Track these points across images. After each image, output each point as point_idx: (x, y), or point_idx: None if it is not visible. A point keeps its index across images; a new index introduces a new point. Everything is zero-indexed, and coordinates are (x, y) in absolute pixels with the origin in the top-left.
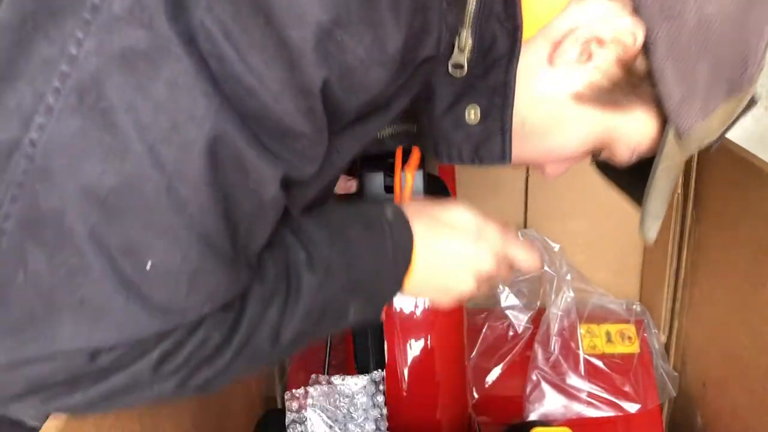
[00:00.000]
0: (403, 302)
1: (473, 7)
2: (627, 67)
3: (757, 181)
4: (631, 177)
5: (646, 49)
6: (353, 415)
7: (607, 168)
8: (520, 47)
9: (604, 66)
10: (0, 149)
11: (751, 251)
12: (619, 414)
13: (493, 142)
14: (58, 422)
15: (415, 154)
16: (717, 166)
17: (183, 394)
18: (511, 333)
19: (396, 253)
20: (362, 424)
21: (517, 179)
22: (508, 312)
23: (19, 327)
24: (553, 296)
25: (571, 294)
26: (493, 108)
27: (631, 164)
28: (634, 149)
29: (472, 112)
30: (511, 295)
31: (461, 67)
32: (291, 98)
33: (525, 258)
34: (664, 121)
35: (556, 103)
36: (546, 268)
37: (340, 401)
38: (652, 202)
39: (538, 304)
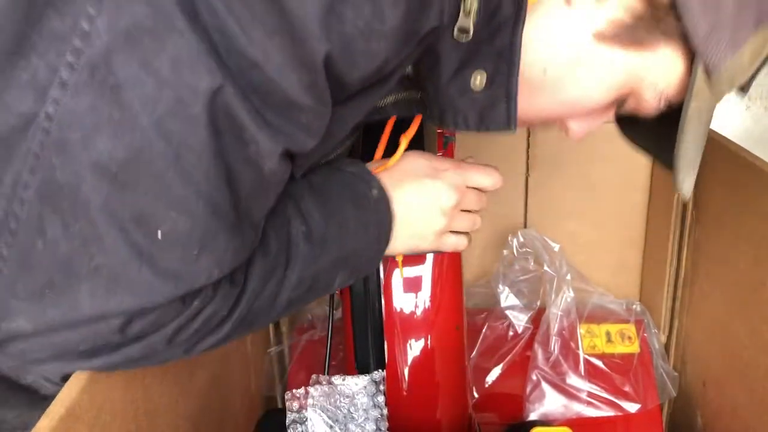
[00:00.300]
0: (403, 302)
1: None
2: (649, 0)
3: (757, 181)
4: (660, 137)
5: None
6: (354, 415)
7: (633, 130)
8: (525, 10)
9: (625, 1)
10: (17, 121)
11: (751, 251)
12: (619, 414)
13: (499, 108)
14: (51, 422)
15: (415, 123)
16: (717, 165)
17: (187, 357)
18: (511, 333)
19: (380, 232)
20: (363, 425)
21: (518, 179)
22: (508, 312)
23: (40, 293)
24: (553, 296)
25: (571, 294)
26: (499, 74)
27: (659, 117)
28: (661, 93)
29: (478, 78)
30: (511, 295)
31: (467, 31)
32: (294, 71)
33: (484, 179)
34: (691, 58)
35: (577, 45)
36: (546, 268)
37: (340, 401)
38: (684, 149)
39: (538, 304)
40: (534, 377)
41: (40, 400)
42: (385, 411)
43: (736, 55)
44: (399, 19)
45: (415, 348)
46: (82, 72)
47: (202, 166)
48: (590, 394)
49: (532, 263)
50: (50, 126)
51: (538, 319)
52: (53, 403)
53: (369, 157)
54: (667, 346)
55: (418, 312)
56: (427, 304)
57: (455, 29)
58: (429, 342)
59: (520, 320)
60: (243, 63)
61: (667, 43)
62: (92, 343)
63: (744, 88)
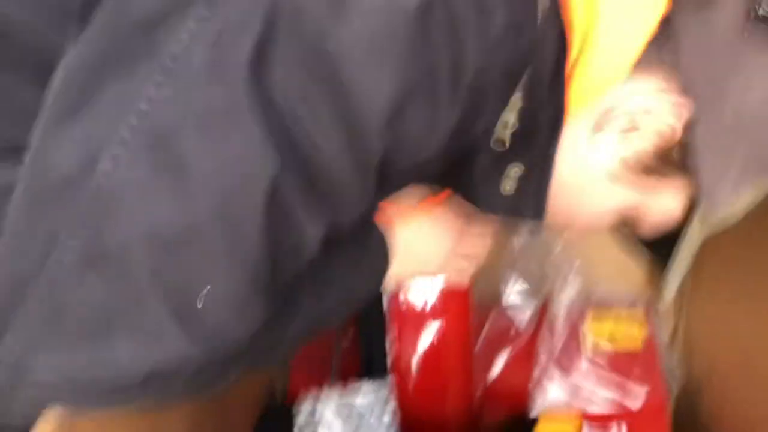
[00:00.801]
0: (411, 297)
1: (523, 87)
2: (667, 144)
3: None
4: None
5: (686, 129)
6: (364, 421)
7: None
8: (562, 128)
9: (645, 140)
10: (65, 177)
11: (757, 242)
12: (625, 407)
13: (527, 206)
14: (50, 425)
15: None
16: None
17: (194, 394)
18: (515, 327)
19: (376, 279)
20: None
21: None
22: (512, 305)
23: (71, 348)
24: (557, 289)
25: (576, 287)
26: (533, 170)
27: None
28: (657, 227)
29: (512, 172)
30: (515, 290)
31: (504, 143)
32: (351, 160)
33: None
34: (693, 200)
35: (594, 174)
36: (551, 261)
37: (351, 408)
38: (675, 274)
39: (543, 298)
40: (538, 371)
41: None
42: (396, 416)
43: (734, 202)
44: (455, 120)
45: (422, 350)
46: (146, 136)
47: (251, 246)
48: (595, 388)
49: (536, 258)
50: (103, 184)
51: (542, 313)
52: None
53: None
54: (672, 340)
55: (426, 312)
56: (435, 296)
57: (492, 140)
58: (436, 343)
59: (524, 314)
60: (305, 150)
61: (674, 185)
62: (112, 390)
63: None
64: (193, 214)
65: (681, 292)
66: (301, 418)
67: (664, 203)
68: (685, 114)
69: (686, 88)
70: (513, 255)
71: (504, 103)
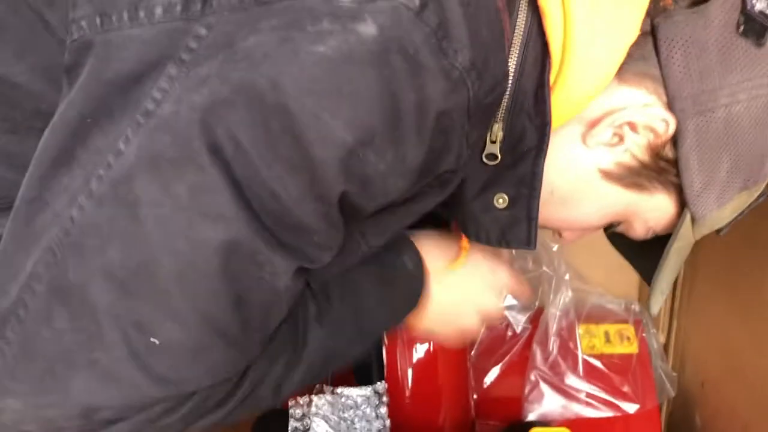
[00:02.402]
0: None
1: (506, 103)
2: (655, 153)
3: None
4: (640, 249)
5: (674, 139)
6: (356, 426)
7: (616, 239)
8: (548, 142)
9: (634, 150)
10: (49, 220)
11: (751, 251)
12: (618, 414)
13: (520, 228)
14: None
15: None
16: None
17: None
18: (509, 333)
19: (407, 306)
20: None
21: None
22: (506, 312)
23: (39, 378)
24: (551, 296)
25: (570, 294)
26: (521, 197)
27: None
28: (650, 228)
29: (500, 200)
30: (510, 295)
31: (495, 157)
32: (310, 203)
33: (520, 297)
34: (681, 205)
35: (585, 178)
36: (544, 267)
37: (343, 412)
38: (662, 279)
39: (537, 304)
40: (533, 377)
41: None
42: (388, 422)
43: (721, 209)
44: (419, 162)
45: (416, 357)
46: (107, 185)
47: (207, 286)
48: (589, 395)
49: (530, 263)
50: (71, 228)
51: (536, 319)
52: None
53: None
54: (665, 347)
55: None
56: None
57: (483, 156)
58: (431, 346)
59: (518, 320)
60: (262, 193)
61: (663, 190)
62: (77, 422)
63: (720, 231)
64: (145, 251)
65: (674, 301)
66: (294, 422)
67: (653, 206)
68: (671, 126)
69: (673, 101)
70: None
71: (471, 140)
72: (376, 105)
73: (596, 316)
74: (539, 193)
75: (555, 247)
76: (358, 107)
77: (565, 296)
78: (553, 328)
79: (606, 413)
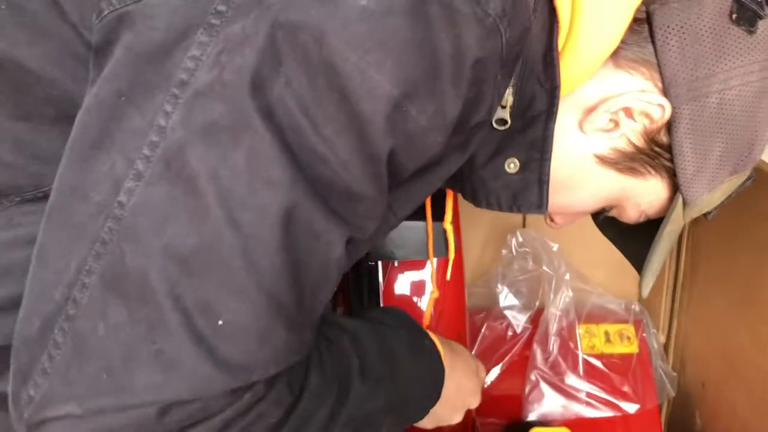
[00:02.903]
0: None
1: (518, 69)
2: (650, 138)
3: (756, 181)
4: (628, 234)
5: (669, 124)
6: None
7: (604, 225)
8: (558, 105)
9: (629, 135)
10: (92, 210)
11: (750, 251)
12: (618, 414)
13: (531, 191)
14: None
15: (450, 204)
16: None
17: None
18: (509, 333)
19: (433, 384)
20: None
21: None
22: (506, 312)
23: (95, 379)
24: (551, 296)
25: (570, 294)
26: (532, 161)
27: (635, 224)
28: (642, 211)
29: (512, 164)
30: (510, 295)
31: (505, 122)
32: (359, 165)
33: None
34: (673, 189)
35: (581, 163)
36: (545, 267)
37: None
38: (654, 261)
39: (537, 303)
40: (533, 377)
41: None
42: None
43: (711, 193)
44: (456, 114)
45: None
46: (157, 163)
47: (268, 257)
48: (589, 394)
49: (530, 263)
50: (122, 214)
51: (536, 318)
52: None
53: None
54: (666, 347)
55: (420, 318)
56: (430, 304)
57: (493, 120)
58: None
59: (518, 320)
60: (313, 158)
61: (656, 174)
62: (138, 428)
63: (708, 215)
64: (207, 226)
65: (674, 301)
66: None
67: (646, 190)
68: (667, 112)
69: (669, 87)
70: (506, 266)
71: (501, 91)
72: (418, 56)
73: (596, 316)
74: (550, 156)
75: (555, 247)
76: (401, 59)
77: (566, 296)
78: (554, 328)
79: (606, 413)
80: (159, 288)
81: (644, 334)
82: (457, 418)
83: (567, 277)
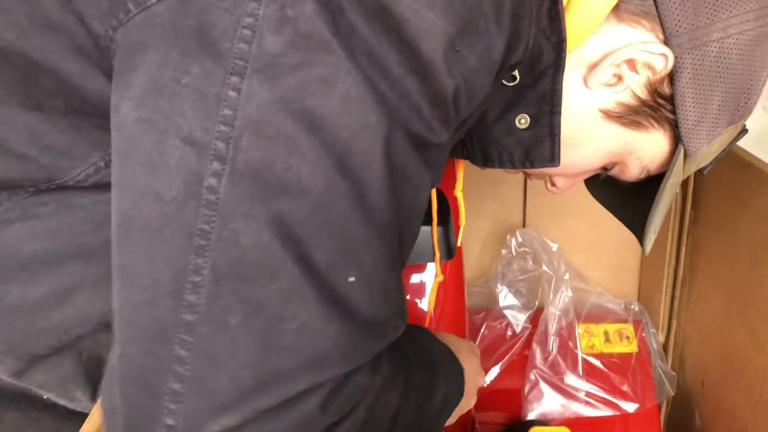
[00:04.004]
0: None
1: None
2: (653, 90)
3: (756, 181)
4: (621, 200)
5: (671, 76)
6: None
7: (598, 192)
8: (565, 59)
9: (633, 87)
10: (166, 208)
11: (750, 251)
12: (617, 413)
13: (543, 145)
14: (93, 425)
15: (460, 172)
16: (716, 166)
17: None
18: (509, 332)
19: (457, 378)
20: None
21: (517, 179)
22: (506, 311)
23: (239, 380)
24: (551, 296)
25: (569, 293)
26: (542, 115)
27: (634, 183)
28: (645, 166)
29: (522, 119)
30: (510, 295)
31: (514, 78)
32: (427, 109)
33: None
34: (675, 142)
35: (587, 119)
36: (544, 267)
37: None
38: (656, 216)
39: (537, 303)
40: (532, 377)
41: (67, 416)
42: None
43: (710, 144)
44: (501, 53)
45: None
46: (246, 135)
47: (381, 203)
48: (588, 394)
49: (530, 263)
50: (217, 197)
51: (536, 318)
52: (93, 410)
53: None
54: (665, 346)
55: (420, 321)
56: (430, 313)
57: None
58: None
59: (518, 320)
60: (394, 96)
61: (659, 127)
62: (299, 427)
63: (703, 170)
64: (319, 186)
65: (673, 301)
66: None
67: (649, 144)
68: (670, 62)
69: (670, 37)
70: (505, 265)
71: (534, 32)
72: None
73: (596, 315)
74: (560, 109)
75: (555, 247)
76: None
77: (565, 296)
78: (553, 327)
79: (605, 412)
80: (284, 257)
81: (643, 334)
82: (473, 402)
83: (566, 276)
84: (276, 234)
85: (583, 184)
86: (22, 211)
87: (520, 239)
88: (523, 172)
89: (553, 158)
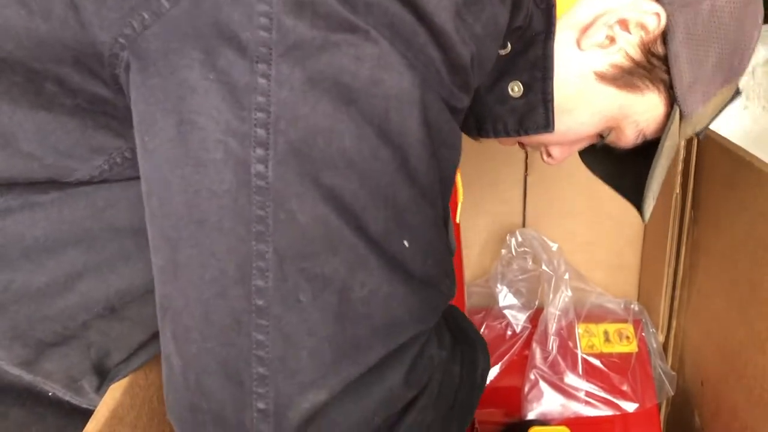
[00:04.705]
0: None
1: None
2: (647, 50)
3: (755, 181)
4: (617, 169)
5: (664, 35)
6: None
7: (593, 162)
8: (555, 24)
9: (627, 48)
10: (221, 201)
11: (750, 250)
12: (617, 413)
13: (537, 112)
14: (97, 424)
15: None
16: (715, 165)
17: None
18: (509, 332)
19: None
20: None
21: (516, 179)
22: (506, 311)
23: (321, 355)
24: (551, 295)
25: (569, 293)
26: (535, 82)
27: (630, 152)
28: (641, 130)
29: (515, 87)
30: (510, 295)
31: (505, 46)
32: (448, 77)
33: None
34: (670, 104)
35: (581, 82)
36: (544, 267)
37: None
38: (654, 181)
39: (537, 303)
40: (532, 376)
41: (71, 413)
42: None
43: (705, 106)
44: (507, 20)
45: None
46: (282, 120)
47: (422, 166)
48: (588, 394)
49: (530, 263)
50: (265, 182)
51: (536, 318)
52: (97, 408)
53: None
54: (665, 346)
55: None
56: None
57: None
58: None
59: (518, 319)
60: (420, 64)
61: (654, 88)
62: (387, 399)
63: (699, 134)
64: (362, 152)
65: (673, 301)
66: None
67: (645, 107)
68: (663, 19)
69: None
70: (505, 265)
71: None
72: None
73: (596, 315)
74: (552, 74)
75: (555, 247)
76: None
77: (565, 296)
78: (553, 327)
79: (605, 412)
80: (342, 229)
81: (643, 334)
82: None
83: (566, 276)
84: (331, 207)
85: (583, 184)
86: (24, 200)
87: (520, 239)
88: (519, 143)
89: (548, 124)
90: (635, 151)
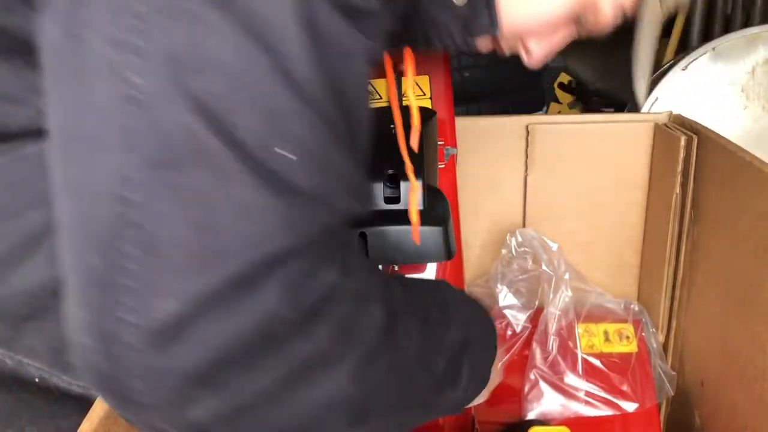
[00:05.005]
0: None
1: None
2: None
3: (756, 181)
4: (605, 69)
5: None
6: None
7: (582, 68)
8: None
9: None
10: (101, 117)
11: (750, 251)
12: (617, 413)
13: (481, 15)
14: (92, 424)
15: (408, 59)
16: (715, 165)
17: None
18: (509, 332)
19: (491, 334)
20: None
21: (516, 179)
22: (506, 311)
23: (182, 265)
24: (551, 295)
25: (569, 293)
26: None
27: (607, 49)
28: (620, 4)
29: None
30: (510, 295)
31: None
32: None
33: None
34: None
35: None
36: (544, 267)
37: None
38: (641, 57)
39: (537, 303)
40: (532, 376)
41: (60, 398)
42: None
43: None
44: None
45: None
46: (154, 22)
47: (308, 73)
48: (588, 394)
49: (530, 263)
50: (140, 92)
51: (536, 318)
52: (92, 407)
53: None
54: (665, 346)
55: None
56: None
57: None
58: None
59: (518, 319)
60: None
61: None
62: (268, 323)
63: (682, 7)
64: (241, 54)
65: (673, 301)
66: None
67: None
68: None
69: None
70: (505, 265)
71: None
72: None
73: (595, 315)
74: None
75: (555, 247)
76: None
77: (565, 296)
78: (553, 327)
79: (605, 412)
80: (209, 138)
81: (643, 334)
82: (498, 380)
83: (566, 276)
84: (197, 114)
85: (583, 185)
86: None
87: (520, 239)
88: (495, 45)
89: (493, 23)
90: (623, 47)
